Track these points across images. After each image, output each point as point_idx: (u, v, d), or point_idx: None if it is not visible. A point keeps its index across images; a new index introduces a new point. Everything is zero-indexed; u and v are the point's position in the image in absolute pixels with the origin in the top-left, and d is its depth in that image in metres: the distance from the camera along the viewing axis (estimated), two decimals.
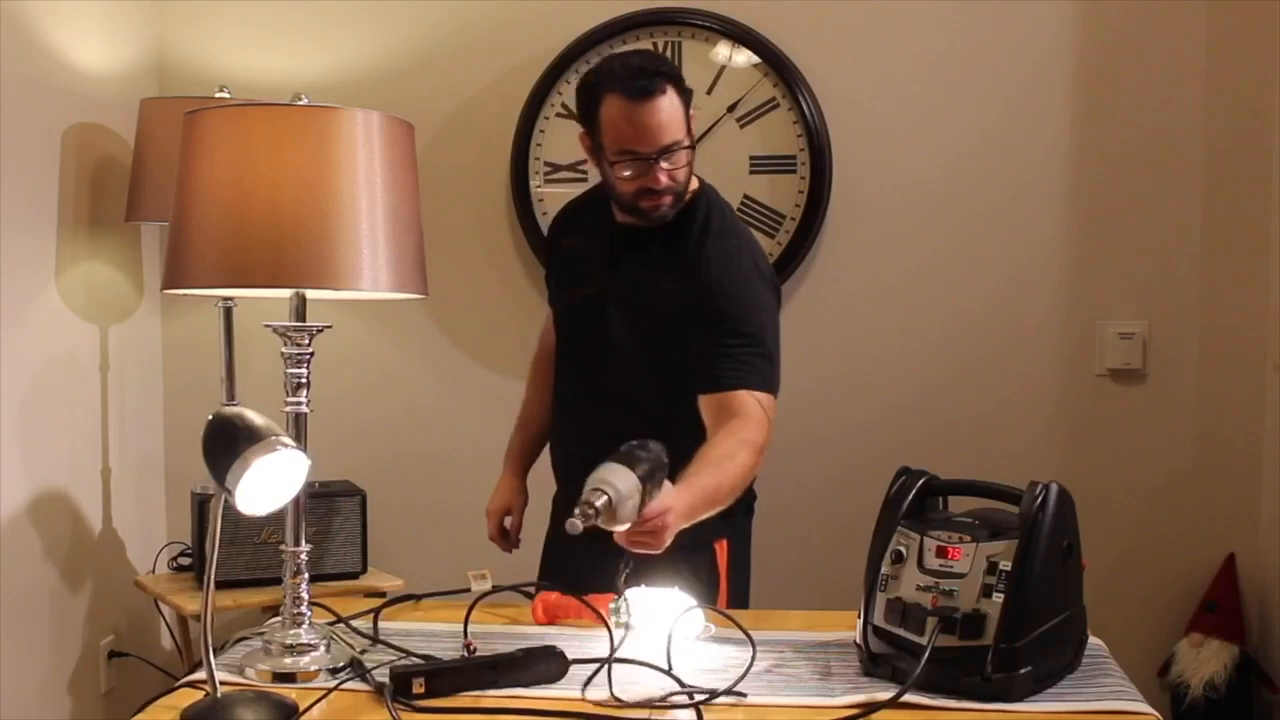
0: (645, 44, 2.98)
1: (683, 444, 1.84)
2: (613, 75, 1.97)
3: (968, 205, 3.01)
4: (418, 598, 1.97)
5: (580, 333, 2.20)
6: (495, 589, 1.86)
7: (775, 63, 2.98)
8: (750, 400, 1.95)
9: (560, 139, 3.06)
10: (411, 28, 3.13)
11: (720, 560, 2.13)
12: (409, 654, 1.66)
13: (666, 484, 1.66)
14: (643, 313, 2.08)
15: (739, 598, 2.18)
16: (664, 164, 1.98)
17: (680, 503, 1.69)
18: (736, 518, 2.06)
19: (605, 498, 1.54)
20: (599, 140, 2.02)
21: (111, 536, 2.94)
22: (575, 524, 1.51)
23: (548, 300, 2.41)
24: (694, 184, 2.10)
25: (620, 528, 1.60)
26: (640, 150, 1.97)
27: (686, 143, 2.00)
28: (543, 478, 2.38)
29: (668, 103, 1.96)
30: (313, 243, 1.58)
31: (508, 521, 2.39)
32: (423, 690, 1.50)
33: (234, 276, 1.62)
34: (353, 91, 3.06)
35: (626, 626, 1.75)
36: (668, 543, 1.68)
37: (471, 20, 3.11)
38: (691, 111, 2.03)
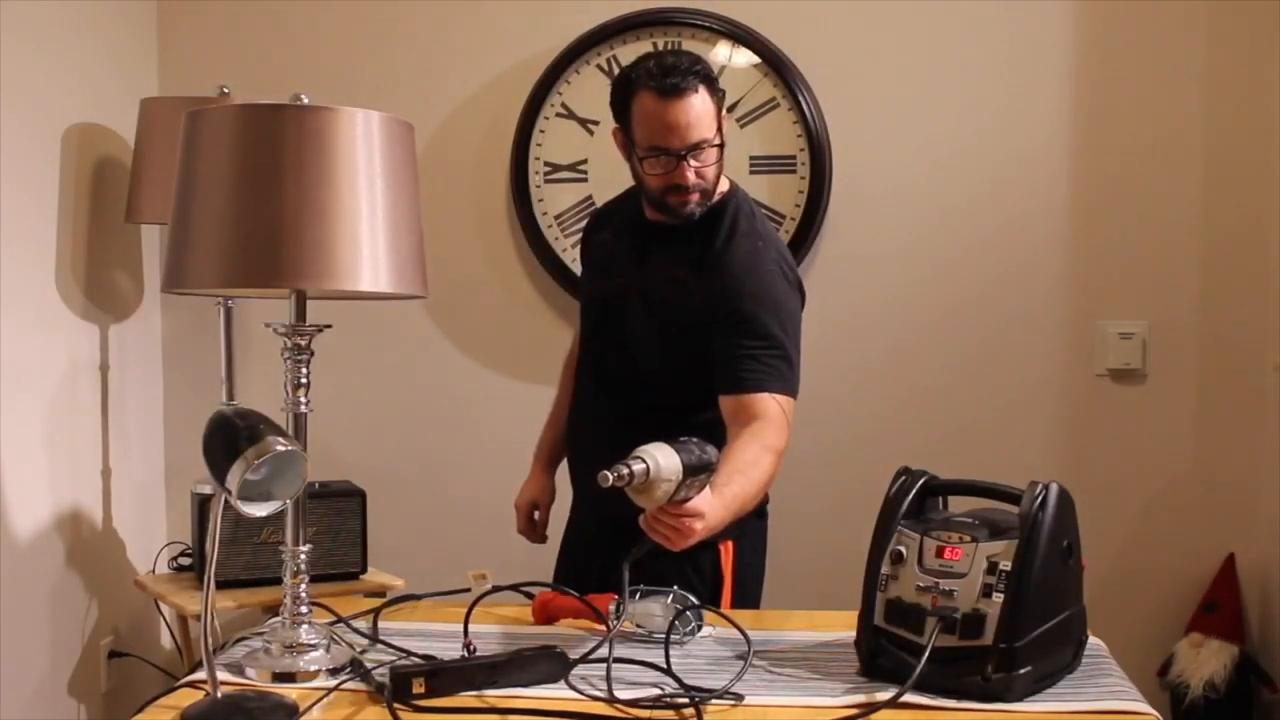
0: (645, 44, 2.98)
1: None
2: (647, 72, 2.00)
3: (967, 205, 3.01)
4: (418, 598, 1.97)
5: (603, 324, 2.23)
6: (495, 589, 1.86)
7: (775, 63, 2.98)
8: (771, 403, 1.96)
9: (560, 139, 3.06)
10: (411, 28, 3.13)
11: (725, 561, 2.13)
12: (409, 654, 1.66)
13: (706, 490, 1.66)
14: (665, 308, 2.10)
15: (747, 600, 2.18)
16: (692, 161, 2.01)
17: (713, 516, 1.69)
18: (745, 519, 2.06)
19: (644, 466, 1.53)
20: (631, 136, 2.05)
21: (111, 536, 2.94)
22: (606, 476, 1.51)
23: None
24: (724, 185, 2.13)
25: (647, 505, 1.60)
26: (669, 147, 2.00)
27: (716, 141, 2.03)
28: (569, 477, 2.38)
29: (698, 101, 1.99)
30: (313, 243, 1.58)
31: (535, 516, 2.43)
32: (423, 690, 1.50)
33: (234, 276, 1.62)
34: (353, 91, 3.06)
35: (627, 626, 1.76)
36: (687, 545, 1.68)
37: (471, 20, 3.12)
38: (724, 112, 2.05)
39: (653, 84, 1.98)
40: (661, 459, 1.55)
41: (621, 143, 2.10)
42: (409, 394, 3.19)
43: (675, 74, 1.97)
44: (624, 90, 2.04)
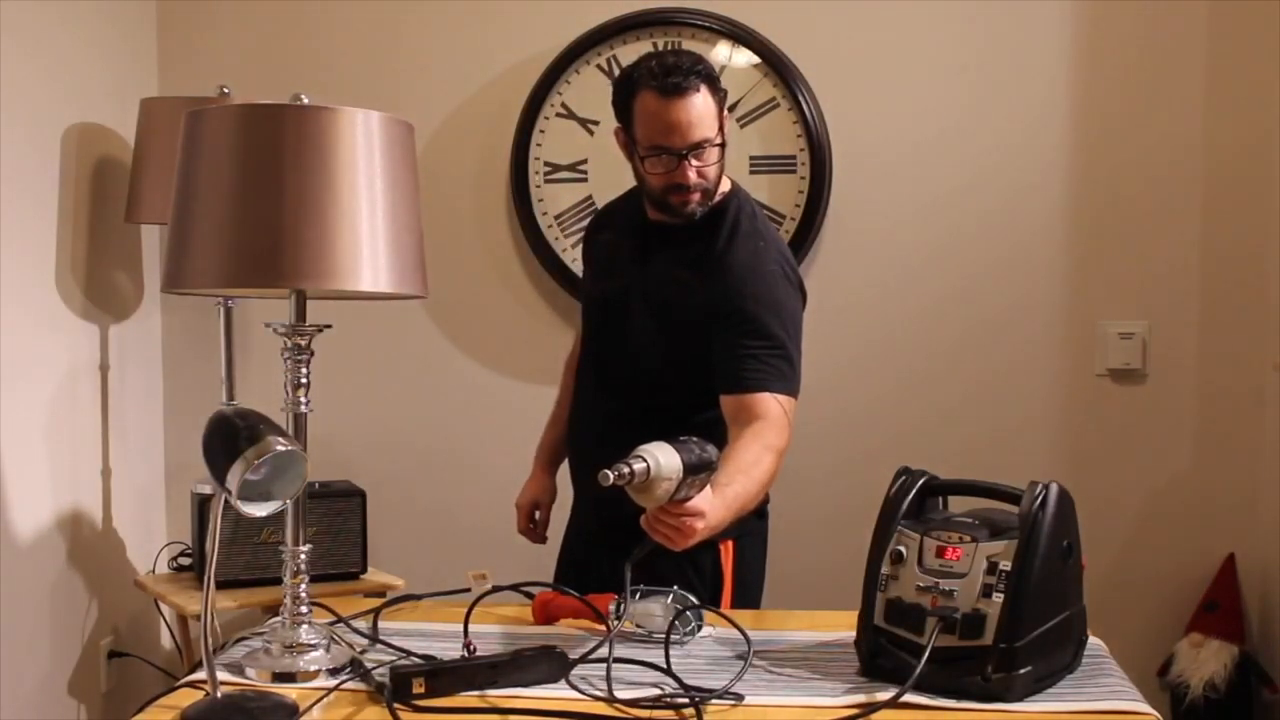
0: (645, 44, 2.98)
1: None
2: (649, 72, 2.00)
3: (967, 205, 3.01)
4: (418, 598, 1.97)
5: (604, 325, 2.23)
6: (495, 589, 1.86)
7: (775, 63, 2.98)
8: (772, 403, 1.96)
9: (560, 139, 3.06)
10: (411, 28, 3.13)
11: (725, 561, 2.13)
12: (409, 654, 1.66)
13: (707, 490, 1.66)
14: (666, 308, 2.10)
15: (748, 600, 2.18)
16: (694, 160, 2.01)
17: (714, 516, 1.69)
18: (746, 519, 2.06)
19: (644, 465, 1.53)
20: (633, 135, 2.06)
21: (111, 536, 2.94)
22: (607, 475, 1.51)
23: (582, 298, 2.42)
24: (725, 185, 2.13)
25: (647, 504, 1.60)
26: (671, 146, 2.00)
27: (718, 141, 2.03)
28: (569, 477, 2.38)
29: (700, 100, 1.99)
30: (313, 242, 1.58)
31: (536, 515, 2.44)
32: (423, 690, 1.50)
33: (234, 276, 1.62)
34: (353, 91, 3.06)
35: (627, 626, 1.76)
36: (689, 545, 1.68)
37: (471, 20, 3.12)
38: (725, 112, 2.05)
39: (654, 83, 1.98)
40: (662, 458, 1.55)
41: (623, 142, 2.10)
42: (409, 394, 3.19)
43: (677, 73, 1.98)
44: (626, 89, 2.04)
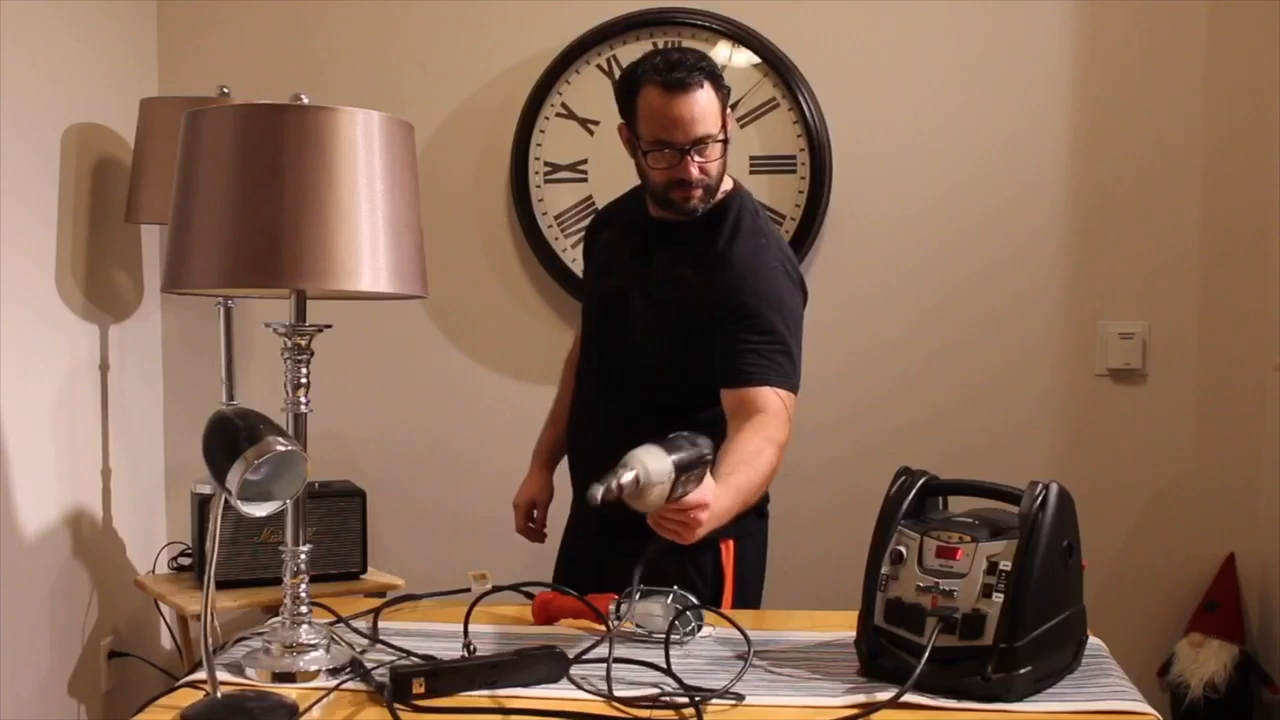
0: (645, 44, 2.97)
1: None
2: (653, 67, 2.02)
3: (967, 205, 3.01)
4: (418, 598, 1.97)
5: (604, 323, 2.23)
6: (495, 589, 1.86)
7: (775, 63, 2.98)
8: (773, 397, 1.97)
9: (560, 139, 3.06)
10: (411, 28, 3.13)
11: (726, 560, 2.13)
12: (409, 654, 1.66)
13: (708, 480, 1.64)
14: (667, 306, 2.11)
15: (748, 600, 2.18)
16: (696, 156, 2.02)
17: (718, 505, 1.68)
18: (747, 518, 2.07)
19: (632, 475, 1.49)
20: (636, 130, 2.06)
21: (111, 536, 2.95)
22: (594, 495, 1.47)
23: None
24: (728, 184, 2.14)
25: (645, 510, 1.58)
26: (673, 141, 2.01)
27: (720, 137, 2.04)
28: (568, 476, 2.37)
29: (703, 96, 2.00)
30: (313, 243, 1.58)
31: (534, 515, 2.44)
32: (423, 690, 1.50)
33: (234, 276, 1.62)
34: (353, 91, 3.06)
35: (626, 626, 1.76)
36: (697, 538, 1.67)
37: (471, 20, 3.12)
38: (728, 110, 2.06)
39: (658, 78, 1.99)
40: (651, 463, 1.51)
41: (626, 138, 2.11)
42: (409, 394, 3.19)
43: (681, 69, 1.99)
44: (630, 85, 2.05)
